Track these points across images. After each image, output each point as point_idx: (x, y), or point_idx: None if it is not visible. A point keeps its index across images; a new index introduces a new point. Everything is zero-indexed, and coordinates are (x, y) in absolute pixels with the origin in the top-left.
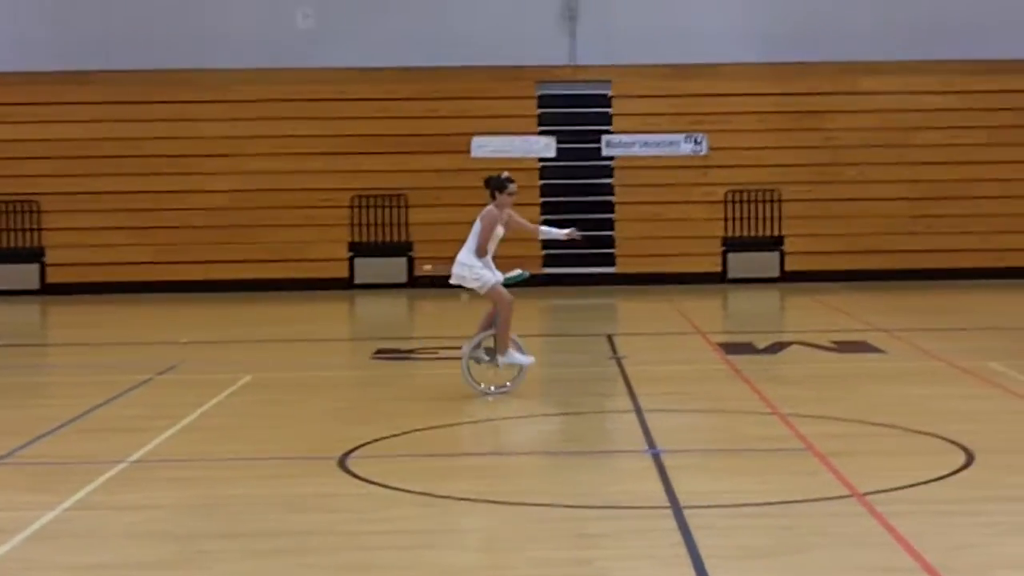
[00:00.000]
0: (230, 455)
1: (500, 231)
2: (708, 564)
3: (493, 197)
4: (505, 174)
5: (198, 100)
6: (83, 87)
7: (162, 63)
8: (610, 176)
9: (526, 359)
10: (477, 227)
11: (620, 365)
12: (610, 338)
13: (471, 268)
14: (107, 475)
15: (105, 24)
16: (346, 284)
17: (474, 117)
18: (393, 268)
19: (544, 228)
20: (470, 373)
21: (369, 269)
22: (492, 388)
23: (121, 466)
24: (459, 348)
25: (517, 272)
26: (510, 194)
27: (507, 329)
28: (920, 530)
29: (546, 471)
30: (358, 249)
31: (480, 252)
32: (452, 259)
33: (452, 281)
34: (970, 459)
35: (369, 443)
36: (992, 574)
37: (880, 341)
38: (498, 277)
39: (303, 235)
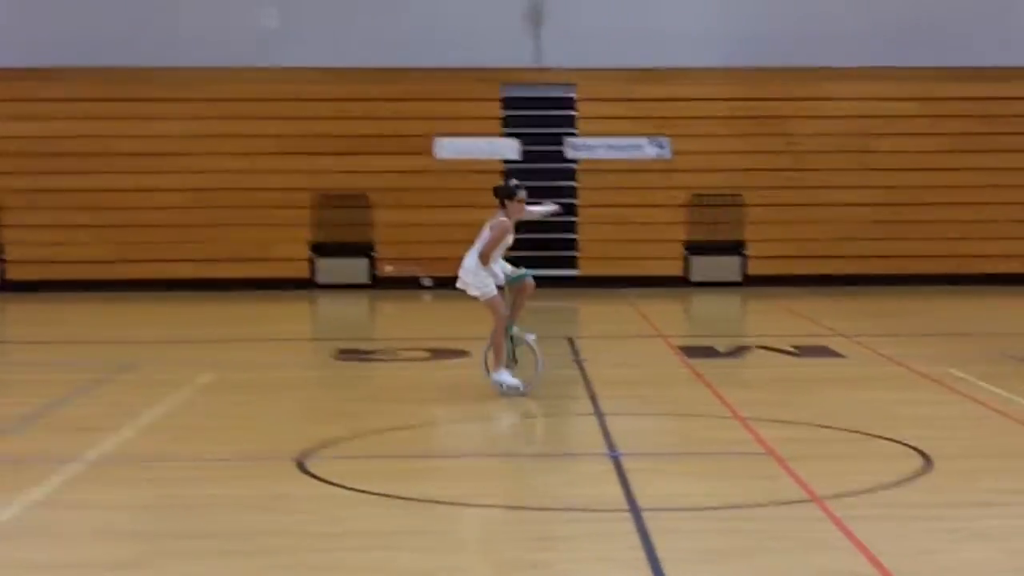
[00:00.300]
0: (189, 455)
1: (509, 240)
2: (667, 567)
3: (503, 205)
4: (514, 181)
5: (160, 98)
6: (44, 84)
7: (124, 61)
8: (574, 179)
9: (511, 382)
10: (486, 235)
11: (581, 368)
12: (571, 341)
13: (475, 275)
14: (65, 474)
15: (66, 21)
16: (308, 284)
17: (438, 118)
18: (355, 268)
19: (530, 208)
20: (488, 369)
21: (331, 269)
22: (523, 387)
23: (79, 465)
24: (420, 349)
25: (521, 271)
26: (520, 201)
27: (497, 347)
28: (878, 535)
29: (506, 473)
30: (320, 249)
31: (484, 260)
32: (414, 260)
33: (457, 286)
34: (929, 464)
35: (330, 444)
36: None
37: (841, 346)
38: (499, 280)
39: (265, 234)
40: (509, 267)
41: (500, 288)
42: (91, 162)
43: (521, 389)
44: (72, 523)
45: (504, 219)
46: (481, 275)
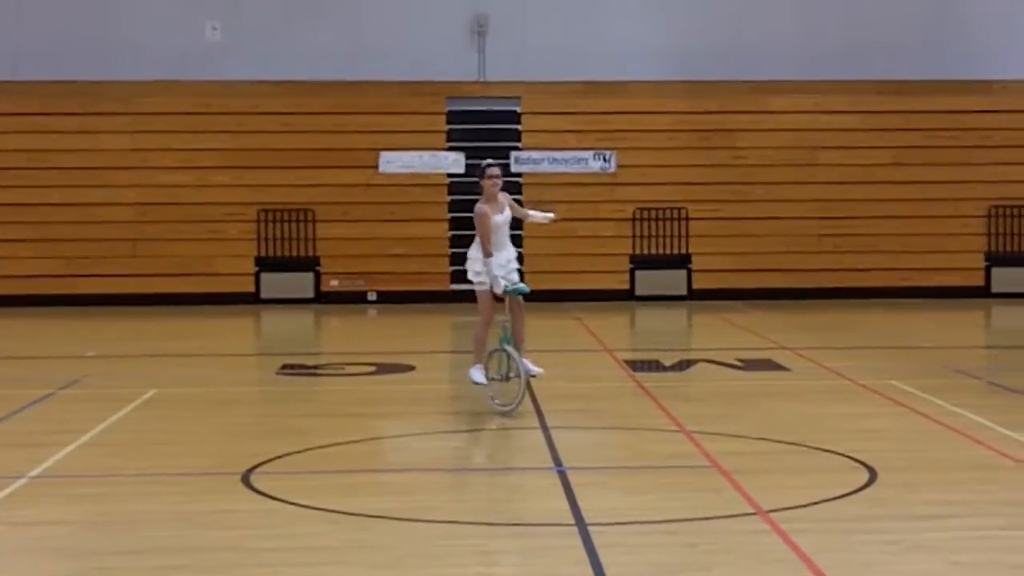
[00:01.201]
0: (132, 471)
1: (500, 219)
2: None
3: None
4: (486, 161)
5: (104, 112)
6: None
7: (68, 74)
8: (519, 193)
9: (479, 378)
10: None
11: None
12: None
13: (472, 263)
14: (5, 491)
15: (10, 35)
16: (252, 299)
17: (383, 132)
18: (300, 283)
19: (531, 213)
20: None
21: (276, 284)
22: (495, 402)
23: (20, 481)
24: (366, 364)
25: (517, 287)
26: (488, 178)
27: (478, 342)
28: (823, 547)
29: (451, 488)
30: (265, 264)
31: (485, 252)
32: (358, 275)
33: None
34: (873, 477)
35: (273, 459)
36: None
37: (785, 359)
38: (499, 286)
39: (209, 249)
40: (515, 278)
41: (499, 298)
42: (34, 176)
43: (492, 400)
44: (12, 540)
45: (480, 205)
46: (478, 264)
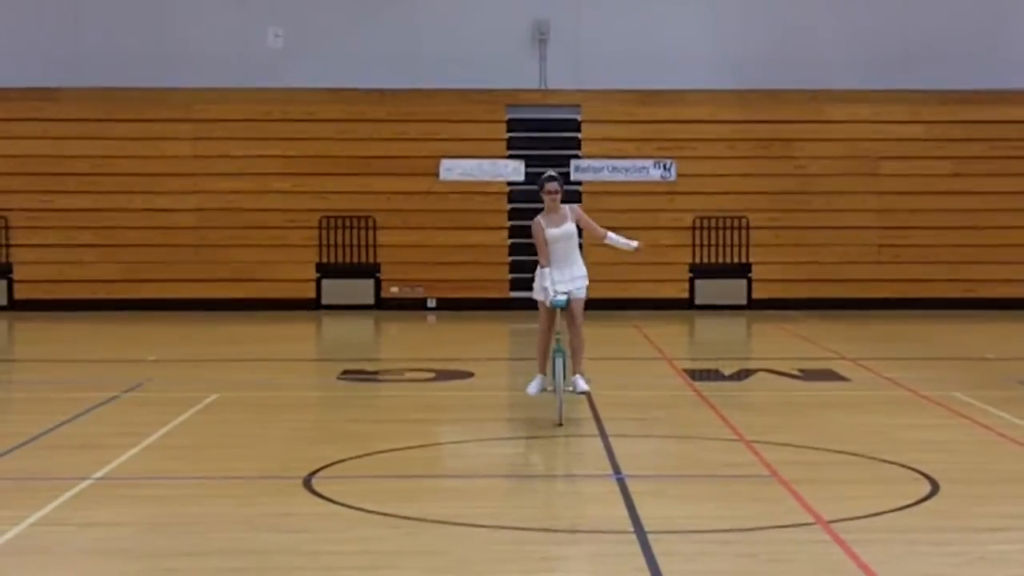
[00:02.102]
0: (195, 474)
1: (557, 232)
2: None
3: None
4: (547, 173)
5: (167, 118)
6: (51, 104)
7: (130, 81)
8: (579, 201)
9: (530, 390)
10: None
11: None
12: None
13: (535, 275)
14: (72, 492)
15: (74, 41)
16: (313, 305)
17: (443, 140)
18: (360, 289)
19: (612, 236)
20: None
21: (336, 290)
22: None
23: (86, 483)
24: (425, 370)
25: (559, 299)
26: (547, 193)
27: (539, 352)
28: (884, 558)
29: (511, 494)
30: (326, 270)
31: (541, 263)
32: (418, 281)
33: None
34: (935, 488)
35: (335, 463)
36: None
37: (846, 369)
38: (548, 299)
39: (271, 255)
40: (581, 293)
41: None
42: (99, 182)
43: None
44: (79, 541)
45: (537, 218)
46: (537, 276)
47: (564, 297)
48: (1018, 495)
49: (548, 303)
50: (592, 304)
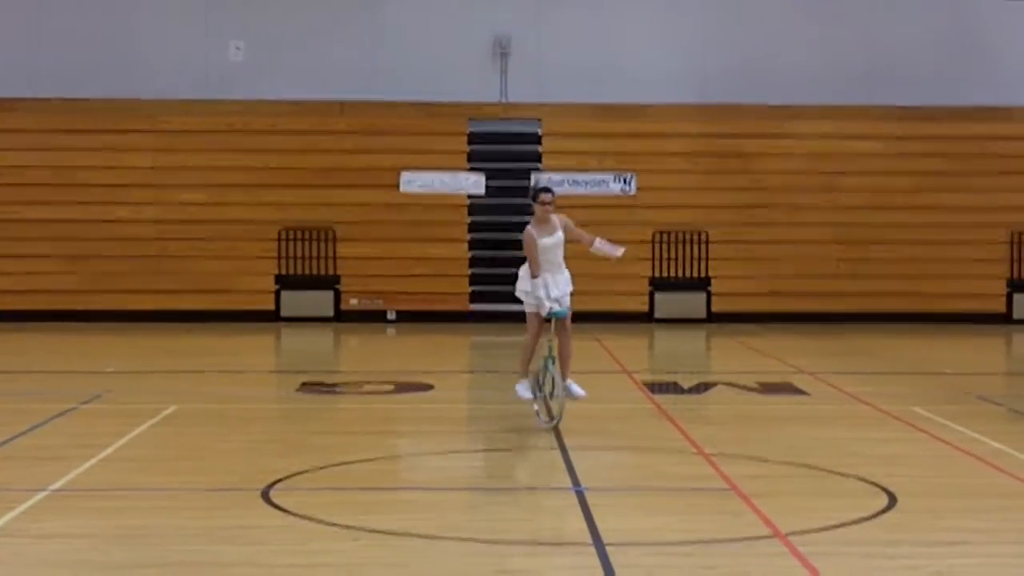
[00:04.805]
0: (153, 485)
1: (549, 241)
2: None
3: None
4: (541, 183)
5: (127, 129)
6: (10, 114)
7: (91, 92)
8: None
9: (524, 393)
10: None
11: (546, 402)
12: (537, 375)
13: (522, 281)
14: (28, 503)
15: (34, 51)
16: (272, 317)
17: (404, 152)
18: (320, 301)
19: (599, 243)
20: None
21: (296, 302)
22: (541, 419)
23: (42, 495)
24: (385, 383)
25: (557, 309)
26: (541, 203)
27: (523, 358)
28: (841, 571)
29: (469, 507)
30: (285, 282)
31: (532, 272)
32: (378, 294)
33: None
34: (893, 502)
35: (294, 475)
36: None
37: (804, 383)
38: (544, 308)
39: (230, 267)
40: (560, 298)
41: (546, 319)
42: (57, 193)
43: (538, 415)
44: (35, 553)
45: (529, 228)
46: (525, 283)
47: (564, 308)
48: (976, 509)
49: (546, 313)
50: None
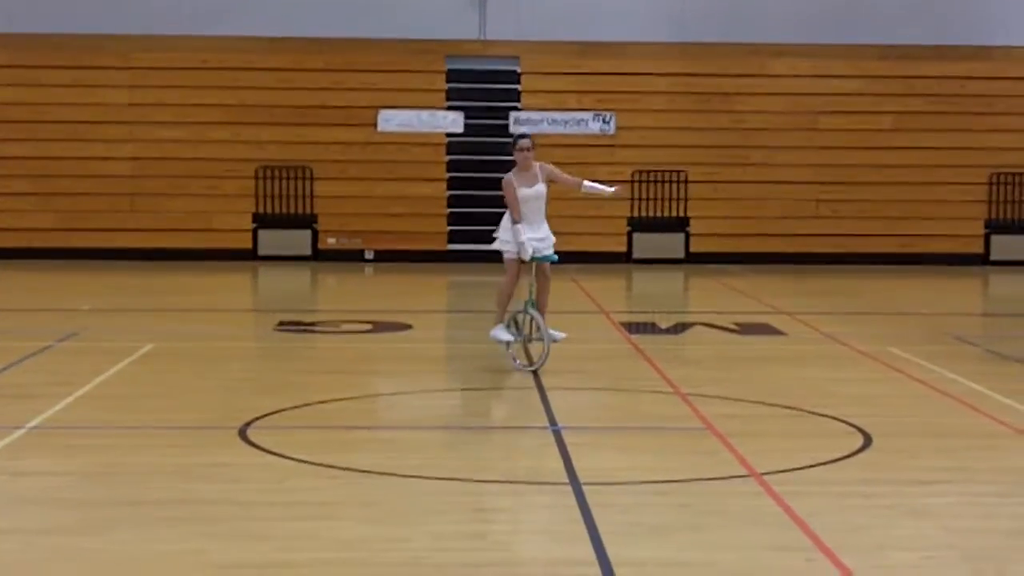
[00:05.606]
0: (130, 424)
1: (530, 192)
2: (606, 540)
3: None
4: (519, 131)
5: (104, 66)
6: None
7: (65, 27)
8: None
9: (502, 336)
10: None
11: (524, 346)
12: (514, 316)
13: (502, 230)
14: (5, 441)
15: None
16: (250, 255)
17: (382, 90)
18: (297, 240)
19: (588, 183)
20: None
21: (273, 241)
22: (518, 363)
23: (20, 432)
24: (362, 322)
25: (548, 253)
26: (519, 150)
27: (501, 303)
28: (816, 510)
29: (446, 445)
30: (262, 220)
31: (513, 219)
32: (356, 233)
33: None
34: (868, 442)
35: (270, 414)
36: (886, 555)
37: (782, 324)
38: (526, 252)
39: (207, 205)
40: (549, 249)
41: (525, 261)
42: (32, 130)
43: (514, 360)
44: (13, 490)
45: (508, 176)
46: (505, 231)
47: (550, 252)
48: (950, 449)
49: (528, 256)
50: None
